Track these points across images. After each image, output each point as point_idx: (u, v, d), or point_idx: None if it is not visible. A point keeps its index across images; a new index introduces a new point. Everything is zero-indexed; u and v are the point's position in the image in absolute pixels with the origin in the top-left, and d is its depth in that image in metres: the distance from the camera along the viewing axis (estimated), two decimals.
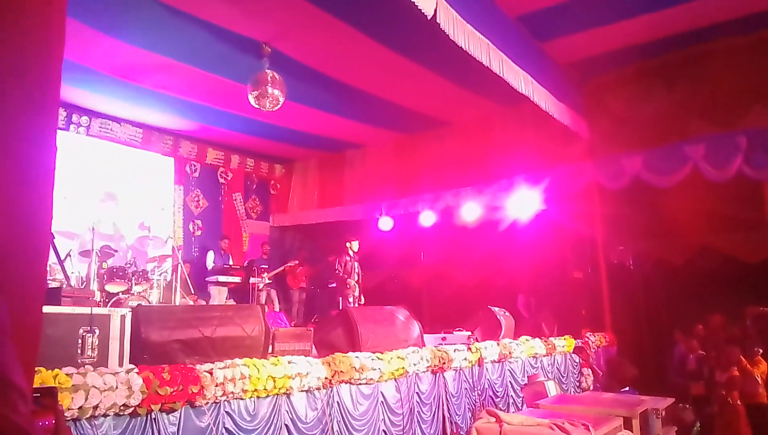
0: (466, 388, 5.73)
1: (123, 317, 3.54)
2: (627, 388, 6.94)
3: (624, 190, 8.50)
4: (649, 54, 8.26)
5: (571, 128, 8.25)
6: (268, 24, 6.80)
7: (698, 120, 8.06)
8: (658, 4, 6.96)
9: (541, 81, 7.09)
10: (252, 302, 9.27)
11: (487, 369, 6.10)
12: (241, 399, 3.63)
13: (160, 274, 8.32)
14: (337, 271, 9.06)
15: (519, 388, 6.40)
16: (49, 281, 6.22)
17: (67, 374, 2.80)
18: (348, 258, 9.06)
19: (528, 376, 6.54)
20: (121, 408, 2.99)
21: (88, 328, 3.31)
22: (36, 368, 2.37)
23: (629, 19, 7.25)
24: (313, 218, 12.10)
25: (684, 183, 7.96)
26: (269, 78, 7.01)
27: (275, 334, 4.47)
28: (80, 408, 2.78)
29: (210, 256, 9.98)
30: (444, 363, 5.34)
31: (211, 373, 3.43)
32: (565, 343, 7.75)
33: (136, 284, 7.81)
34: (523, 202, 9.22)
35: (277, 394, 3.82)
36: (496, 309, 7.26)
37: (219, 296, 9.56)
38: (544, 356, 7.22)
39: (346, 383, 4.34)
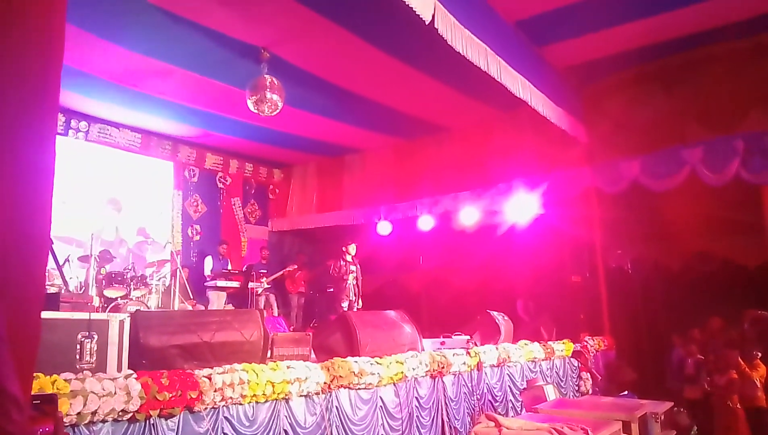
0: (465, 393, 5.73)
1: (121, 323, 3.54)
2: (626, 392, 6.94)
3: (622, 194, 8.51)
4: (647, 58, 8.28)
5: (569, 133, 8.27)
6: (266, 29, 6.82)
7: (696, 124, 8.09)
8: (655, 9, 6.98)
9: (539, 86, 7.12)
10: (251, 307, 9.26)
11: (486, 373, 6.10)
12: (240, 404, 3.63)
13: (158, 279, 8.32)
14: (333, 275, 9.05)
15: (518, 393, 6.40)
16: (47, 286, 6.21)
17: (65, 380, 2.79)
18: (343, 262, 9.06)
19: (527, 381, 6.54)
20: (120, 414, 2.98)
21: (87, 333, 3.31)
22: (34, 374, 2.37)
23: (626, 23, 7.27)
24: (311, 223, 12.10)
25: (682, 187, 7.98)
26: (268, 83, 7.03)
27: (274, 339, 4.47)
28: (78, 414, 2.78)
29: (208, 261, 9.97)
30: (443, 367, 5.33)
31: (209, 379, 3.43)
32: (563, 348, 7.75)
33: (134, 289, 7.81)
34: (522, 207, 9.23)
35: (276, 399, 3.82)
36: (495, 313, 7.26)
37: (218, 301, 9.55)
38: (542, 360, 7.22)
39: (345, 388, 4.33)
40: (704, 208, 8.48)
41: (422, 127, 10.16)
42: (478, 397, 5.88)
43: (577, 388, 7.86)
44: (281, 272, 10.50)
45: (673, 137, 8.15)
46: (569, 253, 9.70)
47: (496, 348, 6.40)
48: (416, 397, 5.08)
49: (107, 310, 6.91)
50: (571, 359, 7.92)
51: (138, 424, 3.10)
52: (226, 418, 3.54)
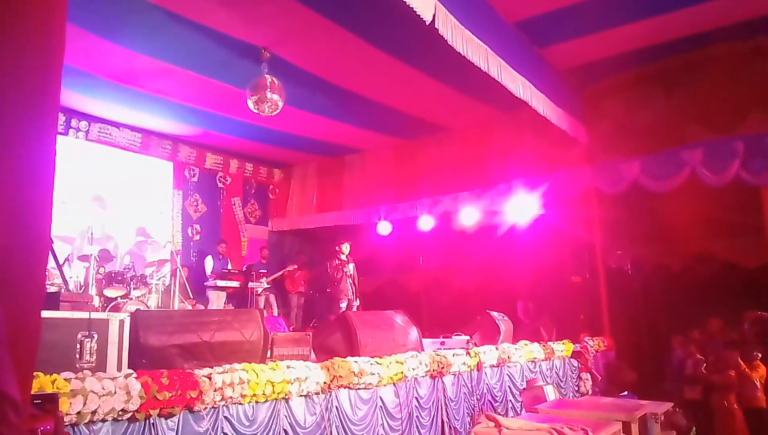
0: (465, 393, 5.73)
1: (121, 322, 3.54)
2: (626, 393, 6.94)
3: (622, 195, 8.51)
4: (647, 60, 8.28)
5: (570, 133, 8.28)
6: (267, 29, 6.82)
7: (696, 125, 8.09)
8: (655, 10, 6.99)
9: (540, 86, 7.12)
10: (250, 307, 9.26)
11: (485, 373, 6.10)
12: (240, 404, 3.63)
13: (158, 279, 8.33)
14: (329, 275, 9.06)
15: (518, 393, 6.40)
16: (47, 286, 6.21)
17: (65, 379, 2.79)
18: (338, 262, 9.06)
19: (527, 381, 6.54)
20: (120, 413, 2.98)
21: (87, 333, 3.31)
22: (34, 373, 2.37)
23: (627, 24, 7.27)
24: (311, 223, 12.10)
25: (682, 188, 7.98)
26: (268, 83, 7.03)
27: (274, 339, 4.47)
28: (78, 413, 2.78)
29: (208, 261, 9.97)
30: (443, 368, 5.33)
31: (209, 378, 3.43)
32: (563, 348, 7.74)
33: (134, 289, 7.82)
34: (522, 207, 9.24)
35: (276, 399, 3.82)
36: (495, 313, 7.26)
37: (217, 301, 9.55)
38: (542, 361, 7.22)
39: (344, 388, 4.33)
40: (704, 209, 8.48)
41: (422, 127, 10.16)
42: (478, 397, 5.87)
43: (576, 388, 7.85)
44: (281, 272, 10.51)
45: (673, 138, 8.15)
46: (569, 253, 9.71)
47: (496, 348, 6.40)
48: (416, 397, 5.08)
49: (107, 310, 6.92)
50: (571, 360, 7.91)
51: (138, 423, 3.10)
52: (225, 417, 3.54)
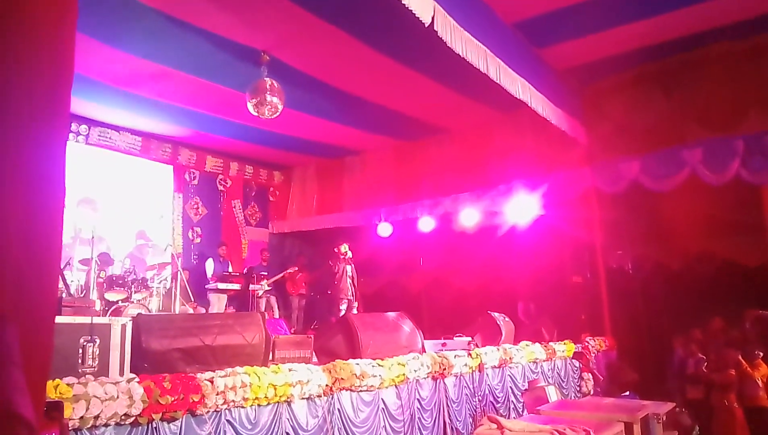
0: (467, 394, 5.73)
1: (123, 326, 3.54)
2: (627, 393, 6.93)
3: (622, 194, 8.52)
4: (646, 59, 8.29)
5: (569, 134, 8.28)
6: (266, 33, 6.83)
7: (695, 125, 8.09)
8: (654, 10, 6.99)
9: (539, 87, 7.12)
10: (251, 309, 9.26)
11: (487, 374, 6.10)
12: (242, 407, 3.63)
13: (159, 282, 8.32)
14: (329, 277, 9.07)
15: (519, 394, 6.40)
16: None
17: (68, 384, 2.80)
18: (337, 263, 9.06)
19: (528, 382, 6.54)
20: (123, 417, 2.99)
21: (89, 337, 3.32)
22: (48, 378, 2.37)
23: (625, 24, 7.28)
24: (312, 225, 12.11)
25: (682, 187, 7.99)
26: (268, 86, 7.04)
27: (275, 342, 4.48)
28: (81, 418, 2.78)
29: (209, 264, 9.97)
30: (444, 369, 5.34)
31: (211, 382, 3.43)
32: (565, 348, 7.75)
33: (135, 292, 7.82)
34: (522, 208, 9.24)
35: (278, 402, 3.82)
36: (496, 314, 7.26)
37: (218, 303, 9.55)
38: (544, 361, 7.22)
39: (346, 390, 4.33)
40: (705, 208, 8.48)
41: (422, 128, 10.17)
42: (480, 398, 5.88)
43: (578, 388, 7.86)
44: (282, 274, 10.50)
45: (673, 138, 8.16)
46: (570, 253, 9.71)
47: (498, 349, 6.40)
48: (418, 399, 5.08)
49: (108, 314, 6.92)
50: (573, 360, 7.91)
51: (140, 427, 3.10)
52: (228, 421, 3.54)
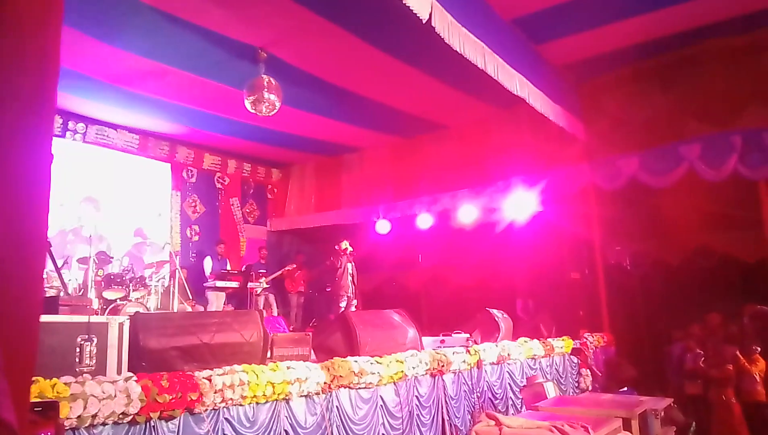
0: (465, 391, 5.73)
1: (121, 325, 3.54)
2: (625, 389, 6.94)
3: (620, 190, 8.53)
4: (644, 55, 8.29)
5: (568, 130, 8.27)
6: (263, 29, 6.81)
7: (694, 120, 8.10)
8: (651, 5, 6.99)
9: (537, 83, 7.11)
10: (250, 307, 9.26)
11: (485, 371, 6.10)
12: (240, 405, 3.63)
13: (157, 280, 8.32)
14: (330, 274, 9.07)
15: (518, 390, 6.40)
16: (46, 289, 6.21)
17: (65, 383, 2.79)
18: (339, 260, 9.06)
19: (527, 378, 6.54)
20: (120, 416, 2.98)
21: (86, 336, 3.31)
22: (33, 377, 2.37)
23: (623, 20, 7.28)
24: (310, 222, 12.11)
25: (680, 183, 8.00)
26: (265, 83, 7.02)
27: (274, 340, 4.47)
28: (79, 417, 2.77)
29: (207, 262, 9.97)
30: (443, 366, 5.34)
31: (209, 380, 3.43)
32: (563, 344, 7.75)
33: (133, 291, 7.81)
34: (520, 204, 9.24)
35: (277, 400, 3.82)
36: (495, 311, 7.26)
37: (217, 301, 9.55)
38: (542, 357, 7.23)
39: (345, 388, 4.33)
40: (702, 203, 8.49)
41: (420, 125, 10.16)
42: (479, 395, 5.88)
43: (576, 384, 7.87)
44: (280, 272, 10.51)
45: (671, 133, 8.17)
46: (568, 250, 9.71)
47: (496, 346, 6.41)
48: (416, 396, 5.08)
49: (106, 312, 6.91)
50: (571, 356, 7.92)
51: (138, 426, 3.10)
52: (226, 419, 3.54)
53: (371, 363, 4.57)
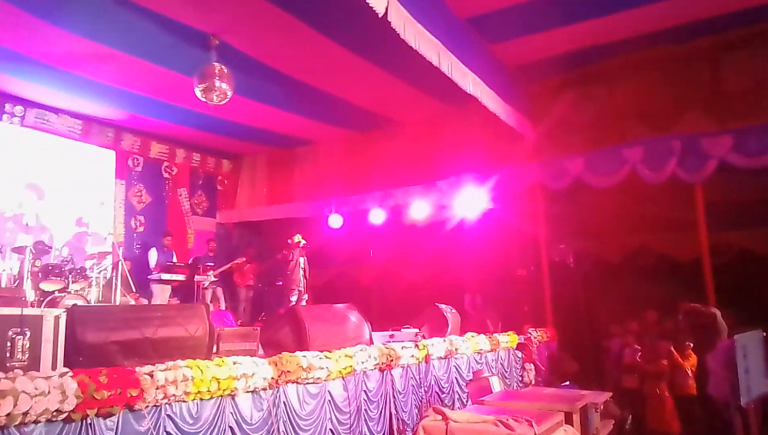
0: (413, 385, 5.77)
1: (57, 318, 3.38)
2: (567, 383, 7.15)
3: (565, 190, 8.78)
4: (592, 59, 8.55)
5: (517, 130, 8.44)
6: (216, 15, 6.64)
7: (637, 124, 8.41)
8: (598, 11, 7.20)
9: (489, 83, 7.21)
10: (197, 301, 9.06)
11: (433, 365, 6.16)
12: (184, 402, 3.53)
13: (99, 272, 8.01)
14: (281, 267, 8.98)
15: (464, 384, 6.50)
16: None
17: None
18: (291, 254, 8.97)
19: (473, 372, 6.64)
20: (54, 414, 2.85)
21: (18, 329, 3.15)
22: None
23: (572, 24, 7.48)
24: (261, 215, 11.95)
25: (621, 184, 8.29)
26: (217, 71, 6.86)
27: (220, 335, 4.38)
28: (8, 415, 2.64)
29: (152, 253, 9.68)
30: (392, 360, 5.36)
31: (151, 376, 3.32)
32: (508, 339, 7.91)
33: (73, 282, 7.49)
34: (471, 201, 9.38)
35: (222, 396, 3.74)
36: (444, 306, 7.34)
37: (162, 295, 9.29)
38: (488, 352, 7.35)
39: (293, 383, 4.29)
40: (642, 204, 8.83)
41: (374, 120, 10.16)
42: (426, 389, 5.93)
43: (520, 378, 8.05)
44: (229, 265, 10.31)
45: (615, 136, 8.47)
46: (516, 247, 9.93)
47: (444, 340, 6.48)
48: (365, 391, 5.08)
49: (44, 304, 6.61)
50: (516, 351, 8.10)
51: (74, 424, 2.97)
52: (168, 416, 3.43)
53: (320, 358, 4.54)
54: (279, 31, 6.94)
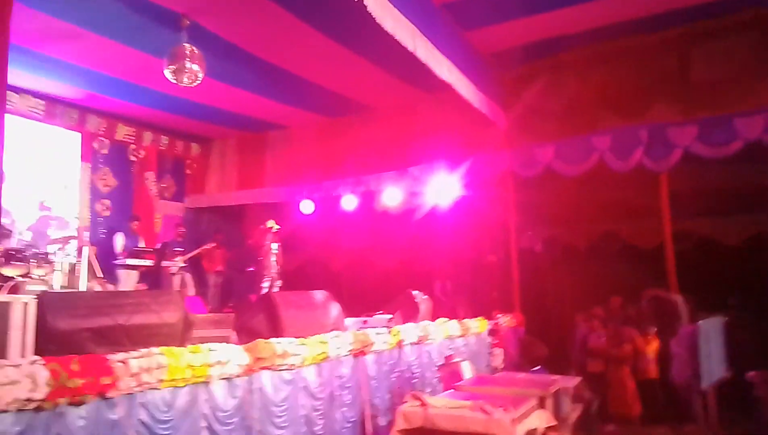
0: (386, 371, 5.82)
1: (25, 305, 3.29)
2: (538, 368, 7.30)
3: (535, 177, 8.89)
4: (562, 48, 8.62)
5: (490, 117, 8.50)
6: None
7: (606, 113, 8.54)
8: (572, 0, 7.24)
9: (464, 70, 7.22)
10: (164, 286, 8.92)
11: (405, 351, 6.22)
12: (157, 389, 3.49)
13: (63, 257, 7.80)
14: (254, 254, 8.91)
15: (435, 369, 6.58)
16: None
17: None
18: (264, 240, 8.91)
19: (444, 357, 6.73)
20: (24, 403, 2.79)
21: None
22: None
23: (545, 12, 7.51)
24: (231, 200, 11.80)
25: (589, 172, 8.44)
26: (188, 52, 6.70)
27: (194, 321, 4.33)
28: None
29: (119, 238, 9.46)
30: (365, 346, 5.39)
31: (125, 363, 3.27)
32: (478, 325, 8.04)
33: (36, 268, 7.27)
34: (443, 188, 9.42)
35: (196, 383, 3.71)
36: (416, 292, 7.41)
37: (128, 280, 9.11)
38: (458, 338, 7.46)
39: (267, 370, 4.28)
40: (609, 192, 9.02)
41: (347, 105, 10.09)
42: (398, 374, 6.00)
43: (488, 363, 8.19)
44: (198, 250, 10.17)
45: (585, 124, 8.58)
46: (486, 233, 10.03)
47: (416, 326, 6.54)
48: (338, 377, 5.10)
49: (6, 291, 6.41)
50: (485, 336, 8.23)
51: (45, 413, 2.91)
52: (141, 404, 3.39)
53: (295, 344, 4.54)
54: (252, 13, 6.80)
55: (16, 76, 8.46)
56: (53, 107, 9.45)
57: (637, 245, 9.25)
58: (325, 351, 4.82)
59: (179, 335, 3.92)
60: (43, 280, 7.18)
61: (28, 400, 2.79)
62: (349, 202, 10.58)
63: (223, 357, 3.84)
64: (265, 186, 11.45)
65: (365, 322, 6.44)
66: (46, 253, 7.63)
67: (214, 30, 7.17)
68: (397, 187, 9.95)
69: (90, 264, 8.05)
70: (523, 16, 7.61)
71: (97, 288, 7.98)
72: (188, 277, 10.06)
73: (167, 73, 6.80)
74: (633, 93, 8.40)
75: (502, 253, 9.81)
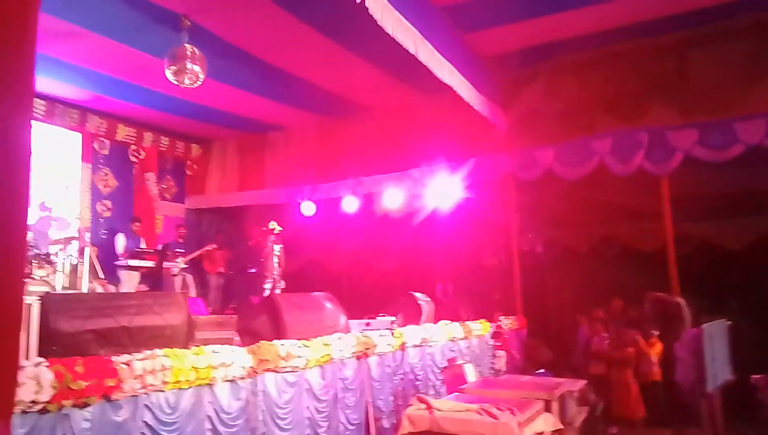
0: (389, 373, 5.81)
1: (29, 306, 3.27)
2: (542, 371, 7.28)
3: (535, 180, 8.88)
4: (562, 51, 8.61)
5: (490, 120, 8.49)
6: None
7: (606, 116, 8.54)
8: (571, 4, 7.23)
9: (464, 72, 7.21)
10: (166, 288, 8.89)
11: (408, 353, 6.21)
12: (161, 391, 3.47)
13: (64, 258, 7.77)
14: (256, 255, 8.88)
15: (438, 372, 6.56)
16: None
17: None
18: (267, 241, 8.88)
19: (447, 360, 6.71)
20: (29, 405, 2.77)
21: None
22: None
23: (545, 16, 7.50)
24: (232, 201, 11.76)
25: (589, 175, 8.44)
26: (189, 53, 6.66)
27: (196, 323, 4.31)
28: None
29: (120, 239, 9.42)
30: (368, 348, 5.37)
31: (129, 365, 3.25)
32: (480, 327, 8.02)
33: (38, 268, 7.24)
34: (444, 190, 9.40)
35: (200, 385, 3.69)
36: (418, 294, 7.39)
37: (130, 281, 9.08)
38: (461, 340, 7.44)
39: (271, 372, 4.26)
40: (609, 195, 9.01)
41: (347, 106, 10.07)
42: (401, 376, 5.98)
43: (491, 366, 8.17)
44: (199, 252, 10.14)
45: (585, 128, 8.58)
46: (487, 236, 10.02)
47: (419, 328, 6.52)
48: (342, 379, 5.09)
49: None
50: (487, 338, 8.21)
51: (49, 415, 2.89)
52: (146, 405, 3.38)
53: (298, 347, 4.52)
54: (253, 14, 6.78)
55: None
56: (54, 107, 9.42)
57: (638, 248, 9.24)
58: (329, 353, 4.81)
59: (183, 337, 3.90)
60: (44, 280, 7.14)
61: (33, 402, 2.78)
62: (350, 204, 10.56)
63: (227, 359, 3.82)
64: (265, 187, 11.42)
65: (368, 324, 6.41)
66: (48, 254, 7.60)
67: (215, 31, 7.15)
68: (397, 188, 9.93)
69: (91, 265, 8.02)
70: (522, 19, 7.61)
71: (99, 289, 7.94)
72: (189, 278, 10.04)
73: (168, 74, 6.77)
74: (632, 96, 8.42)
75: (504, 256, 9.79)
